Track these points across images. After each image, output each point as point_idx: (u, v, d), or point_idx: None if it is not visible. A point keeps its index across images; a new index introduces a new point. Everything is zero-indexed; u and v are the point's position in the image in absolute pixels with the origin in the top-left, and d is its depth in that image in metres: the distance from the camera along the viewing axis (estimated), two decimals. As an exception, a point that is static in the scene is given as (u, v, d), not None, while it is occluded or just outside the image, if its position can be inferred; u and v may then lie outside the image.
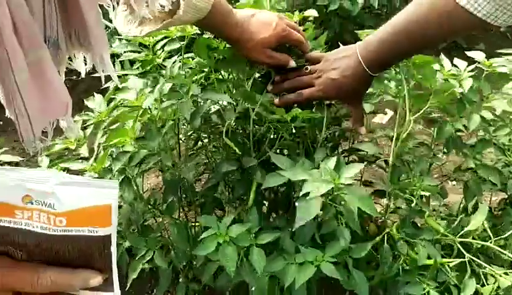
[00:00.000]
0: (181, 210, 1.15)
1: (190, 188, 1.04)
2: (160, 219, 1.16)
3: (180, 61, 1.00)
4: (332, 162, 0.83)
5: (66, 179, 0.47)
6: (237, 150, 0.91)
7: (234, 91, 0.98)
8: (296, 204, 0.80)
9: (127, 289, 1.06)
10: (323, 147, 0.93)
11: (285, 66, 0.99)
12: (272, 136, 0.98)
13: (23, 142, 0.55)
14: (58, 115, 0.56)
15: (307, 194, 0.78)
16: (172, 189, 0.97)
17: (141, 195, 0.99)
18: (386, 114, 2.22)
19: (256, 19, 0.96)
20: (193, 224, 1.15)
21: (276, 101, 0.97)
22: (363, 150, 1.06)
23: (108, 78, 1.03)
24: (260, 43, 0.94)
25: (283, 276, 0.84)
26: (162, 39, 1.02)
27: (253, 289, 0.87)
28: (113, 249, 0.50)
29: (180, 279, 1.21)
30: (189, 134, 1.10)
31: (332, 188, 0.79)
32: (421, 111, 0.91)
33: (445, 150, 1.08)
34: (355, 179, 0.94)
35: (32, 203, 0.46)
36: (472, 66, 1.05)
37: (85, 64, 0.62)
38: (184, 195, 1.11)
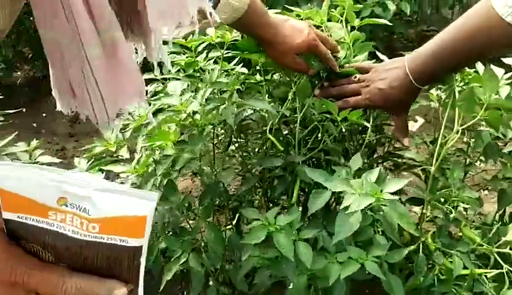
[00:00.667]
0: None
1: (224, 192, 1.06)
2: (192, 222, 1.18)
3: (220, 66, 1.02)
4: (374, 174, 0.83)
5: (106, 185, 0.46)
6: (279, 146, 0.93)
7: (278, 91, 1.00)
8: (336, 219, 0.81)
9: (160, 290, 1.08)
10: (360, 153, 0.93)
11: (306, 73, 1.01)
12: (314, 138, 1.00)
13: (97, 124, 0.55)
14: (132, 99, 0.56)
15: (347, 207, 0.79)
16: (210, 193, 0.98)
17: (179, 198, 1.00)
18: (416, 121, 2.21)
19: (289, 25, 0.98)
20: (225, 228, 1.17)
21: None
22: (399, 157, 1.06)
23: (147, 82, 1.05)
24: (292, 48, 0.96)
25: (326, 273, 0.84)
26: (200, 44, 1.04)
27: (290, 286, 0.87)
28: (142, 260, 0.49)
29: (211, 283, 1.22)
30: (222, 137, 1.11)
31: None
32: (470, 123, 0.91)
33: (482, 158, 1.07)
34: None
35: (67, 206, 0.46)
36: (509, 74, 1.05)
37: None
38: (218, 199, 1.13)
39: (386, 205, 0.81)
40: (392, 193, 0.81)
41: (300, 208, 1.03)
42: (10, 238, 0.47)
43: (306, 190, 1.03)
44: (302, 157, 0.94)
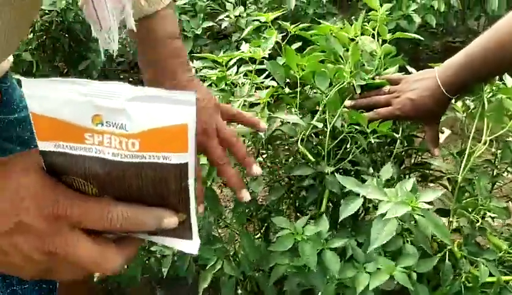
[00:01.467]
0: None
1: (254, 201, 1.09)
2: (220, 231, 1.21)
3: (251, 80, 1.05)
4: (409, 184, 0.84)
5: (138, 93, 0.41)
6: (309, 157, 0.94)
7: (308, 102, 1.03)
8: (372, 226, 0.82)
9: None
10: (389, 164, 0.95)
11: None
12: (344, 149, 1.02)
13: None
14: None
15: (382, 215, 0.80)
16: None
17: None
18: (443, 132, 2.21)
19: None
20: (254, 237, 1.19)
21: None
22: (426, 168, 1.07)
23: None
24: None
25: (354, 283, 0.85)
26: (231, 59, 1.09)
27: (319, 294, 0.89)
28: (191, 183, 0.43)
29: (239, 291, 1.24)
30: (251, 147, 1.15)
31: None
32: (498, 133, 0.92)
33: (509, 169, 1.08)
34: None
35: (102, 125, 0.41)
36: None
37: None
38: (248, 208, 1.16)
39: (419, 214, 0.81)
40: (428, 204, 0.82)
41: (329, 218, 1.05)
42: (51, 175, 0.44)
43: (335, 200, 1.05)
44: (331, 167, 0.96)
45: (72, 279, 0.47)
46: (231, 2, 2.69)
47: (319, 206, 1.01)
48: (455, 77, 0.94)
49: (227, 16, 2.56)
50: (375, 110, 1.02)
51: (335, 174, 0.91)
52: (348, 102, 1.03)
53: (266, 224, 1.18)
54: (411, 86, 1.00)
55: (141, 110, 0.40)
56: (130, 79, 3.26)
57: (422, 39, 1.12)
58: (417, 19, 2.18)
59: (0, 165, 0.45)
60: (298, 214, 1.16)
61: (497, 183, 1.14)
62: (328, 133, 0.96)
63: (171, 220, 0.45)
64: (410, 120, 1.06)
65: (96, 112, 0.41)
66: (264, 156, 1.16)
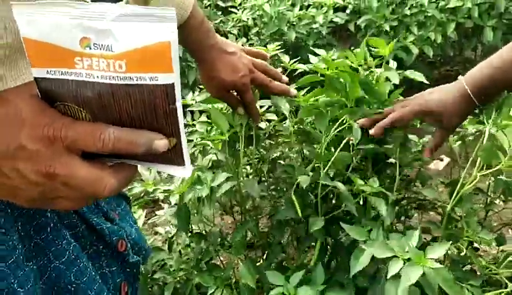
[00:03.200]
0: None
1: (256, 229, 1.12)
2: (221, 258, 1.23)
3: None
4: (414, 239, 0.84)
5: (124, 10, 0.41)
6: (299, 213, 0.93)
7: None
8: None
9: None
10: (390, 207, 0.93)
11: (234, 109, 1.00)
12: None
13: None
14: None
15: (396, 276, 0.78)
16: (243, 229, 1.04)
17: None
18: (442, 160, 2.24)
19: (228, 60, 0.95)
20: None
21: (371, 131, 0.97)
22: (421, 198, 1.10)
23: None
24: (220, 84, 0.96)
25: None
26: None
27: None
28: (179, 106, 0.45)
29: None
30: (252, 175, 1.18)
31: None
32: (489, 171, 0.91)
33: (502, 197, 1.10)
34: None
35: (90, 48, 0.42)
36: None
37: None
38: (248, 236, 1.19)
39: (430, 268, 0.80)
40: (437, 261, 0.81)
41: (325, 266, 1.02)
42: (45, 102, 0.46)
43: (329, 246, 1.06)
44: (322, 220, 0.95)
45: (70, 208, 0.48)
46: (233, 34, 2.76)
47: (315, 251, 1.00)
48: (480, 83, 0.93)
49: (229, 48, 2.62)
50: (388, 116, 0.98)
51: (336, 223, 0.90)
52: (372, 131, 0.98)
53: (266, 252, 1.20)
54: (427, 92, 0.99)
55: (125, 29, 0.41)
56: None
57: (427, 83, 1.08)
58: (415, 50, 2.24)
59: None
60: (298, 244, 1.18)
61: (491, 210, 1.16)
62: (320, 186, 0.95)
63: (161, 142, 0.46)
64: (429, 115, 0.99)
65: (84, 34, 0.41)
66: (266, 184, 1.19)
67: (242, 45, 1.05)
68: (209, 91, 1.01)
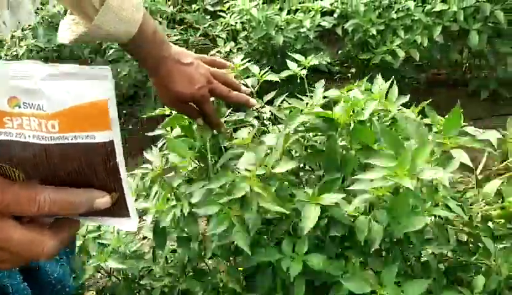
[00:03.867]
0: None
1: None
2: (205, 263, 1.23)
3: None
4: (391, 276, 0.79)
5: (52, 71, 0.40)
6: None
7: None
8: None
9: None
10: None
11: (194, 119, 0.98)
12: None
13: None
14: None
15: None
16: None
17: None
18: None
19: (184, 71, 0.93)
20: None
21: None
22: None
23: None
24: (176, 96, 0.94)
25: None
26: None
27: None
28: (120, 161, 0.43)
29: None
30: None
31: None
32: None
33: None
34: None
35: (20, 107, 0.40)
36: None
37: None
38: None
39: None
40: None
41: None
42: None
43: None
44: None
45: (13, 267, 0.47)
46: (222, 38, 2.76)
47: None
48: None
49: (218, 52, 2.63)
50: None
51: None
52: None
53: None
54: None
55: (56, 88, 0.40)
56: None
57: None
58: (401, 53, 2.25)
59: None
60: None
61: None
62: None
63: (102, 200, 0.45)
64: None
65: (12, 94, 0.40)
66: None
67: (230, 50, 1.05)
68: (165, 103, 0.99)
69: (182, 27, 3.00)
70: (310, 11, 2.53)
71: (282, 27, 2.49)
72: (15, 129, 0.41)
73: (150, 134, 1.09)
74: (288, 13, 2.55)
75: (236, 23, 2.71)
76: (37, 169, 0.42)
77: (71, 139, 0.41)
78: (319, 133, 0.90)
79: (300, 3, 2.57)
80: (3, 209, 0.43)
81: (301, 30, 2.47)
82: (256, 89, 1.08)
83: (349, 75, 2.85)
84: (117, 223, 0.48)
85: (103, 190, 0.45)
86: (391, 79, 0.94)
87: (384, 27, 2.35)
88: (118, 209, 0.47)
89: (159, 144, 1.12)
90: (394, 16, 2.33)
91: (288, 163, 0.82)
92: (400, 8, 2.35)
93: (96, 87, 0.40)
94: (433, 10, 2.26)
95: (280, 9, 2.57)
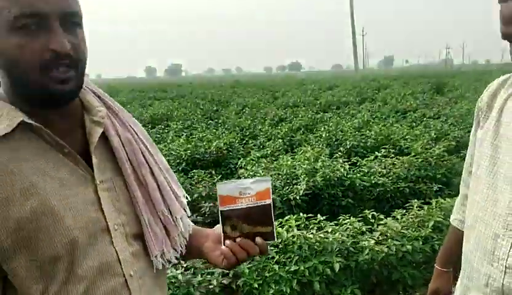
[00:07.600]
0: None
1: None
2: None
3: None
4: None
5: (251, 184, 1.06)
6: None
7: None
8: None
9: None
10: None
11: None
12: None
13: None
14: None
15: None
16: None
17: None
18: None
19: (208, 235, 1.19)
20: None
21: None
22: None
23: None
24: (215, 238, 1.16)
25: None
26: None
27: None
28: (272, 213, 1.05)
29: None
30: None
31: None
32: None
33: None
34: None
35: (243, 194, 1.05)
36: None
37: None
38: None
39: None
40: None
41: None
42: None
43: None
44: None
45: None
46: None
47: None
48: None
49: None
50: None
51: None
52: None
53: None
54: None
55: (253, 185, 1.08)
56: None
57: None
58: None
59: None
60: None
61: None
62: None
63: (268, 228, 1.07)
64: None
65: (239, 191, 1.11)
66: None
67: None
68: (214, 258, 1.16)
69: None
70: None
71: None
72: (239, 204, 1.06)
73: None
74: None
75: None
76: (245, 220, 1.06)
77: (258, 203, 1.05)
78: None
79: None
80: None
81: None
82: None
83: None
84: None
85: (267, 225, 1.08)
86: None
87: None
88: (271, 235, 1.09)
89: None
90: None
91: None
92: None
93: (266, 182, 1.07)
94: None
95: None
